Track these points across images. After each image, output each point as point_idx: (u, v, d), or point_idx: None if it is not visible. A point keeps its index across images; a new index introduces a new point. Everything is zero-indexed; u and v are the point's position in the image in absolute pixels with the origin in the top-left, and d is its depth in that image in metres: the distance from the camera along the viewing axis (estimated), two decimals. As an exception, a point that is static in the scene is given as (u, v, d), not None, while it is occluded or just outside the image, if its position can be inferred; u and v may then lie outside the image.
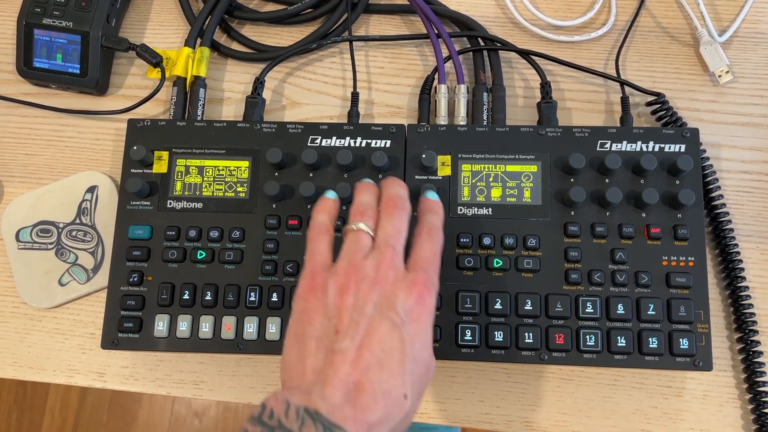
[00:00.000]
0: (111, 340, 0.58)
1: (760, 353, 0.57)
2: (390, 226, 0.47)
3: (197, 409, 1.50)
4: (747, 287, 0.59)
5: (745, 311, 0.58)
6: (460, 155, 0.60)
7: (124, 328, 0.58)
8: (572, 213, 0.58)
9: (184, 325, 0.57)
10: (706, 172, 0.61)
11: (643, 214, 0.57)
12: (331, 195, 0.51)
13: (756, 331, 0.58)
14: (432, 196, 0.52)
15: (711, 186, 0.61)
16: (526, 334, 0.56)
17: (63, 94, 0.68)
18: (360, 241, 0.47)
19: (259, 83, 0.64)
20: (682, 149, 0.58)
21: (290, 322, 0.45)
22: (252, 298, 0.57)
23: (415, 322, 0.44)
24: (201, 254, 0.59)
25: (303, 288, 0.46)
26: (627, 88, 0.64)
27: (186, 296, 0.58)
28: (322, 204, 0.50)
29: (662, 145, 0.59)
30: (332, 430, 0.38)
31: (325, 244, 0.48)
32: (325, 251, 0.48)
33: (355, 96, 0.65)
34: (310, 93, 0.67)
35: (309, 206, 0.59)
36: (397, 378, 0.42)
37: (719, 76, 0.65)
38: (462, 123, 0.63)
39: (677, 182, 0.58)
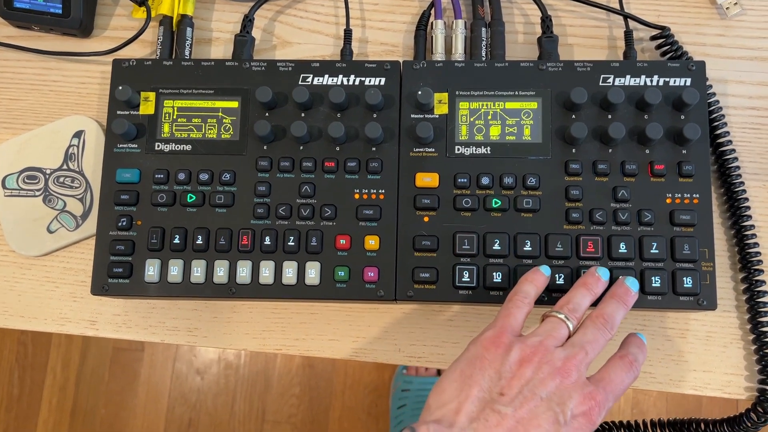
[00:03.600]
0: (101, 286, 0.56)
1: (765, 293, 0.56)
2: (592, 335, 0.48)
3: (198, 366, 1.50)
4: (752, 226, 0.57)
5: (750, 251, 0.57)
6: (457, 92, 0.58)
7: (114, 274, 0.56)
8: (573, 150, 0.56)
9: (175, 270, 0.56)
10: (712, 108, 0.59)
11: (647, 151, 0.55)
12: (545, 270, 0.52)
13: (761, 271, 0.57)
14: (643, 340, 0.52)
15: (717, 123, 0.59)
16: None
17: (46, 36, 0.66)
18: (559, 330, 0.48)
19: (248, 21, 0.62)
20: (688, 83, 0.56)
21: (460, 358, 0.47)
22: (244, 242, 0.56)
23: (574, 430, 0.44)
24: (191, 197, 0.57)
25: (487, 338, 0.47)
26: (631, 22, 0.61)
27: (177, 240, 0.56)
28: (534, 275, 0.52)
29: (667, 79, 0.56)
30: None
31: (523, 312, 0.49)
32: (520, 318, 0.49)
33: (348, 33, 0.62)
34: (301, 32, 0.65)
35: (301, 147, 0.57)
36: None
37: (727, 8, 0.62)
38: (460, 59, 0.61)
39: (682, 117, 0.56)
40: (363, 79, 0.58)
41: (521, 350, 0.46)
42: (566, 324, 0.48)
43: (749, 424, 0.56)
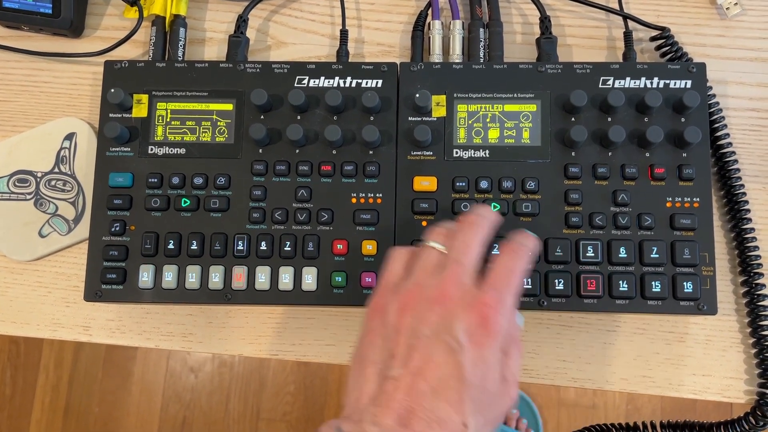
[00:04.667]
0: (94, 292, 0.56)
1: (765, 296, 0.56)
2: (459, 241, 0.43)
3: (192, 364, 1.49)
4: (753, 229, 0.57)
5: (751, 254, 0.57)
6: (455, 95, 0.57)
7: (108, 280, 0.55)
8: (573, 153, 0.55)
9: (169, 276, 0.55)
10: (713, 110, 0.58)
11: (647, 154, 0.55)
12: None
13: (761, 274, 0.56)
14: (528, 233, 0.47)
15: (717, 124, 0.58)
16: (525, 280, 0.54)
17: (36, 36, 0.65)
18: (428, 259, 0.43)
19: (242, 21, 0.61)
20: (688, 85, 0.56)
21: (357, 343, 0.44)
22: (240, 247, 0.55)
23: (477, 347, 0.40)
24: (185, 202, 0.56)
25: (368, 308, 0.44)
26: (630, 23, 0.61)
27: (171, 246, 0.55)
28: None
29: (667, 81, 0.56)
30: None
31: (400, 262, 0.45)
32: (398, 270, 0.45)
33: (344, 34, 0.61)
34: (296, 32, 0.64)
35: (297, 150, 0.56)
36: (454, 406, 0.39)
37: (727, 8, 0.61)
38: (457, 61, 0.60)
39: (683, 120, 0.55)
40: (360, 81, 0.57)
41: (398, 302, 0.42)
42: (431, 246, 0.44)
43: (747, 428, 0.56)
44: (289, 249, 0.55)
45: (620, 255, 0.54)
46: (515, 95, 0.56)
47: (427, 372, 0.39)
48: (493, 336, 0.40)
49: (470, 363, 0.39)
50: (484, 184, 0.55)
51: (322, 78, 0.57)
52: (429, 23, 0.61)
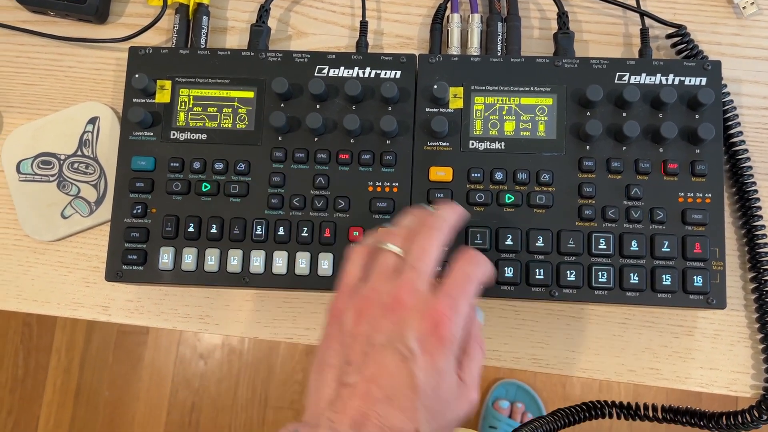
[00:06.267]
0: (115, 273, 0.57)
1: (774, 293, 0.56)
2: (416, 246, 0.43)
3: (202, 351, 1.51)
4: (763, 226, 0.58)
5: (760, 250, 0.57)
6: (472, 87, 0.58)
7: (129, 261, 0.57)
8: (587, 147, 0.56)
9: (189, 258, 0.56)
10: (726, 108, 0.59)
11: (661, 149, 0.56)
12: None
13: (770, 271, 0.57)
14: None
15: (730, 122, 0.59)
16: (537, 270, 0.55)
17: (62, 21, 0.66)
18: (384, 263, 0.43)
19: (264, 11, 0.62)
20: (703, 82, 0.56)
21: (318, 345, 0.44)
22: (258, 232, 0.56)
23: (429, 355, 0.40)
24: (206, 187, 0.57)
25: (328, 313, 0.44)
26: (647, 20, 0.61)
27: (191, 229, 0.57)
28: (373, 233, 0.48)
29: (682, 78, 0.57)
30: None
31: (358, 264, 0.45)
32: (356, 272, 0.44)
33: (363, 25, 0.62)
34: (316, 22, 0.65)
35: (316, 139, 0.57)
36: (407, 413, 0.39)
37: (744, 7, 0.62)
38: (475, 54, 0.61)
39: (696, 116, 0.56)
40: (379, 72, 0.58)
41: (353, 308, 0.42)
42: (389, 251, 0.43)
43: (750, 420, 0.56)
44: (306, 235, 0.56)
45: (632, 248, 0.54)
46: (532, 89, 0.57)
47: (380, 379, 0.40)
48: (446, 344, 0.40)
49: (422, 371, 0.40)
50: (499, 176, 0.56)
51: (342, 68, 0.58)
52: (448, 16, 0.62)
